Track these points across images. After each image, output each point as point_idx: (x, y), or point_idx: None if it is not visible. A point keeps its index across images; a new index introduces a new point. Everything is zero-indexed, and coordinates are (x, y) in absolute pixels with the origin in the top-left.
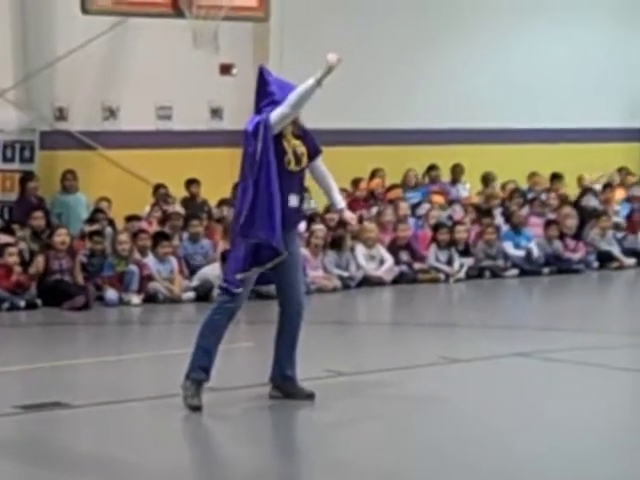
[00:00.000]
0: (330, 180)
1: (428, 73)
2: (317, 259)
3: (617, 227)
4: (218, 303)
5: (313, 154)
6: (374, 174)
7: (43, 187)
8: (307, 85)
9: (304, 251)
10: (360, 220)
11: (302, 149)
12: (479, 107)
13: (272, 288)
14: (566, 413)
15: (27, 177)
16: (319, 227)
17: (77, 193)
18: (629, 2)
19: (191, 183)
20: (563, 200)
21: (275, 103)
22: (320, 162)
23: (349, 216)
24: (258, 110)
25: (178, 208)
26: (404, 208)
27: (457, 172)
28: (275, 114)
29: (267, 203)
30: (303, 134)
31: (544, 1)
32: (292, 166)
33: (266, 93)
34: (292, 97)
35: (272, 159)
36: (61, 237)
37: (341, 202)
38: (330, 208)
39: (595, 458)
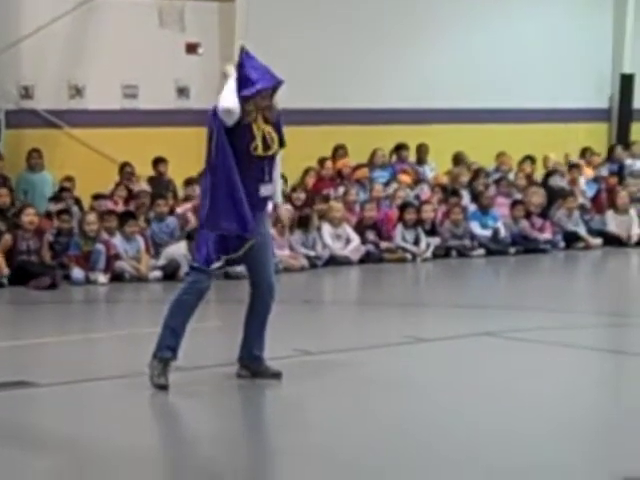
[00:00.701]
0: (278, 173)
1: (395, 53)
2: (284, 238)
3: (583, 208)
4: (188, 283)
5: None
6: (337, 150)
7: (9, 166)
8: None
9: (271, 231)
10: (327, 199)
11: (273, 135)
12: (445, 87)
13: (242, 269)
14: (531, 393)
15: None
16: (286, 207)
17: (43, 172)
18: None
19: (159, 162)
20: (530, 180)
21: (248, 84)
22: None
23: (283, 213)
24: (240, 89)
25: (144, 186)
26: (378, 190)
27: (422, 152)
28: (220, 104)
29: (229, 192)
30: (276, 121)
31: None
32: (259, 151)
33: (240, 76)
34: (225, 91)
35: (227, 147)
36: (29, 217)
37: (279, 197)
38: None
39: (559, 439)
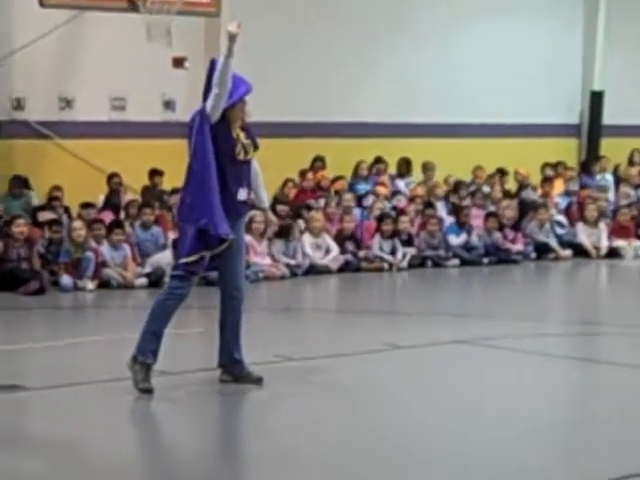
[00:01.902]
0: (260, 179)
1: (375, 68)
2: (261, 244)
3: (559, 224)
4: (169, 289)
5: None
6: (315, 162)
7: (1, 174)
8: (221, 63)
9: (247, 238)
10: (309, 208)
11: (247, 141)
12: (423, 102)
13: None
14: (505, 400)
15: None
16: (257, 212)
17: (23, 197)
18: (565, 6)
19: (155, 173)
20: (505, 193)
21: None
22: (254, 160)
23: (271, 217)
24: (206, 99)
25: (133, 196)
26: (349, 199)
27: (402, 166)
28: (209, 101)
29: (204, 188)
30: (247, 128)
31: (487, 2)
32: (242, 156)
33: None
34: (215, 79)
35: (208, 146)
36: (20, 228)
37: (266, 202)
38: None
39: (530, 444)
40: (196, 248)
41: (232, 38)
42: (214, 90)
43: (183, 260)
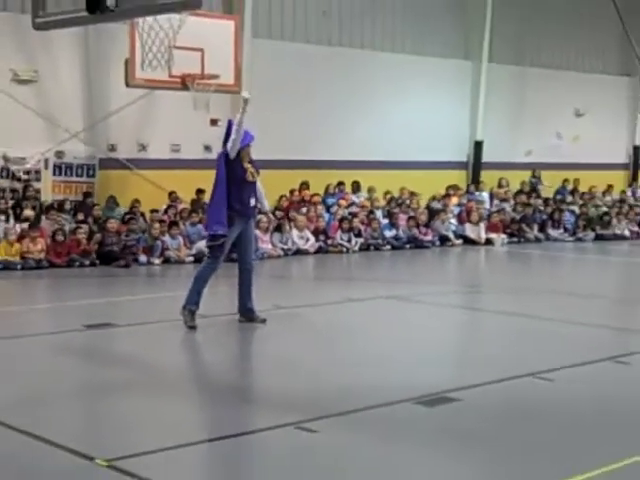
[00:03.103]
0: (262, 194)
1: (341, 125)
2: (265, 235)
3: (452, 223)
4: (206, 262)
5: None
6: (302, 185)
7: (100, 192)
8: (238, 119)
9: (257, 232)
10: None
11: (253, 169)
12: (370, 147)
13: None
14: (419, 334)
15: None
16: (263, 216)
17: (115, 211)
18: (459, 87)
19: (199, 191)
20: (419, 204)
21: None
22: (259, 181)
23: (271, 218)
24: (225, 143)
25: (184, 206)
26: (320, 209)
27: (354, 186)
28: (229, 144)
29: (216, 207)
30: (252, 161)
31: (410, 86)
32: (250, 178)
33: (230, 135)
34: (233, 130)
35: (222, 181)
36: (112, 224)
37: (267, 208)
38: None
39: (434, 363)
40: (211, 241)
41: (246, 101)
42: (232, 136)
43: (207, 244)
